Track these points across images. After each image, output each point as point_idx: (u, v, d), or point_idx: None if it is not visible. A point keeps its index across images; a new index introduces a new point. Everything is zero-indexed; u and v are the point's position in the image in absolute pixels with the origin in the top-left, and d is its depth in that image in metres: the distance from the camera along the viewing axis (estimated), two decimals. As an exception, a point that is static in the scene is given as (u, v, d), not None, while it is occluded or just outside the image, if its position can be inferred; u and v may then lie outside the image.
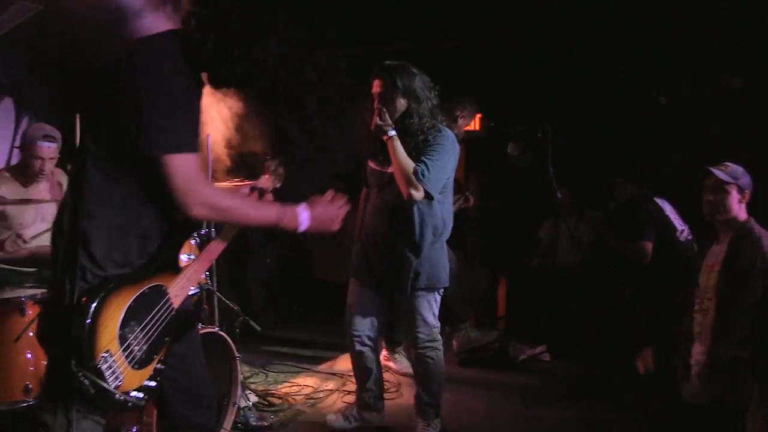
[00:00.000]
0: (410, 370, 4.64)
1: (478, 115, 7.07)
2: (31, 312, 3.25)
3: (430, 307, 3.54)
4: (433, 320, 3.57)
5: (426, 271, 3.46)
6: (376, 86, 3.39)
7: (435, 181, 3.27)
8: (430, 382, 3.66)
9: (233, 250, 5.14)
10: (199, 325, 3.53)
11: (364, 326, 3.66)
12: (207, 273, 3.88)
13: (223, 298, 4.15)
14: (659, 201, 5.01)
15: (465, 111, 4.92)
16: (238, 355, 3.59)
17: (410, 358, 3.96)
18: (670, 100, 5.86)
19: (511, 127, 5.47)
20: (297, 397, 4.29)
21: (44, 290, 3.36)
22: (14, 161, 4.51)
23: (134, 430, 3.04)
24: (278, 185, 2.68)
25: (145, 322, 1.94)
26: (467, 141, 7.50)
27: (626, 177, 5.26)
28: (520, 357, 5.20)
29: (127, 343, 1.88)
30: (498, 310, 6.86)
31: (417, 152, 3.31)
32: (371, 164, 3.55)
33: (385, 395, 4.07)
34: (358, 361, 3.75)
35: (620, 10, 5.86)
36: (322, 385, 4.60)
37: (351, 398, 4.19)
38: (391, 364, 4.92)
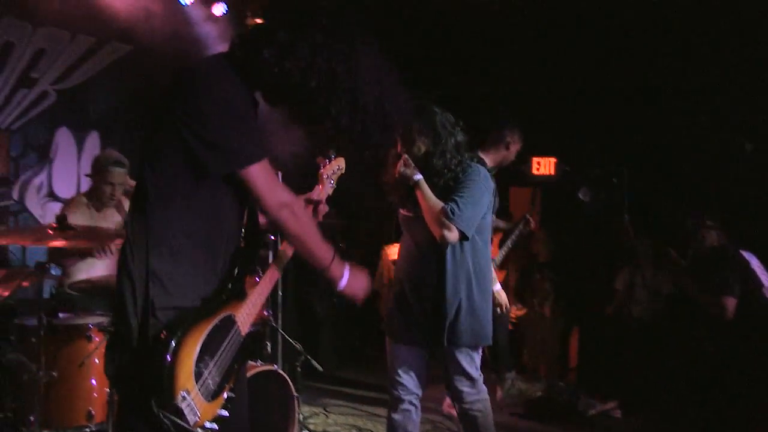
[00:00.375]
0: None
1: (554, 160, 6.96)
2: (97, 339, 3.32)
3: (472, 361, 3.23)
4: (476, 373, 3.26)
5: (466, 325, 3.15)
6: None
7: (468, 219, 3.04)
8: None
9: (300, 285, 5.17)
10: (259, 362, 3.54)
11: (412, 385, 3.26)
12: (271, 310, 3.89)
13: (286, 336, 4.15)
14: (746, 254, 4.72)
15: (515, 136, 4.78)
16: (296, 395, 3.56)
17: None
18: (757, 147, 5.58)
19: (585, 171, 5.32)
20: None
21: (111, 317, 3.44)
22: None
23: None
24: (331, 192, 2.58)
25: (217, 355, 1.95)
26: (542, 185, 7.42)
27: (711, 223, 4.88)
28: (589, 412, 4.97)
29: (202, 378, 1.89)
30: (570, 360, 6.64)
31: (447, 192, 3.11)
32: (402, 212, 3.33)
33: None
34: (402, 424, 3.29)
35: (704, 53, 5.66)
36: (382, 430, 4.50)
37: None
38: (454, 411, 4.79)
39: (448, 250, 3.12)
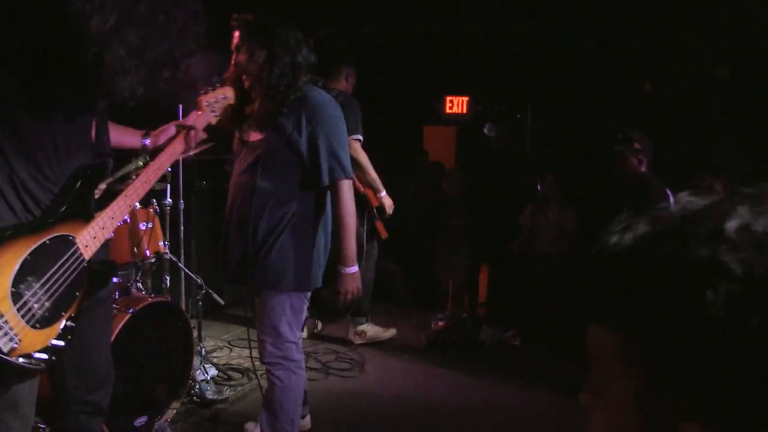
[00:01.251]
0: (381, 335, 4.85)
1: (466, 99, 7.01)
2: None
3: (282, 313, 2.77)
4: (288, 331, 2.79)
5: (273, 265, 2.74)
6: (235, 38, 2.80)
7: (347, 161, 2.79)
8: (275, 414, 2.86)
9: (210, 222, 5.10)
10: (152, 294, 3.50)
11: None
12: (167, 242, 3.83)
13: (186, 270, 4.11)
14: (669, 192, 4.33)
15: (352, 70, 4.80)
16: (193, 327, 3.55)
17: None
18: (655, 87, 5.76)
19: (490, 109, 5.39)
20: (258, 372, 4.24)
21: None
22: None
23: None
24: (214, 122, 2.52)
25: (46, 277, 1.78)
26: (455, 124, 7.49)
27: (639, 147, 4.40)
28: (489, 341, 5.15)
29: (22, 301, 1.72)
30: (479, 296, 6.83)
31: (276, 115, 2.71)
32: (238, 135, 2.93)
33: (343, 374, 4.01)
34: None
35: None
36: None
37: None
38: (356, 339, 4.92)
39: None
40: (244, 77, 2.76)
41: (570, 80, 5.92)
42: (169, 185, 3.90)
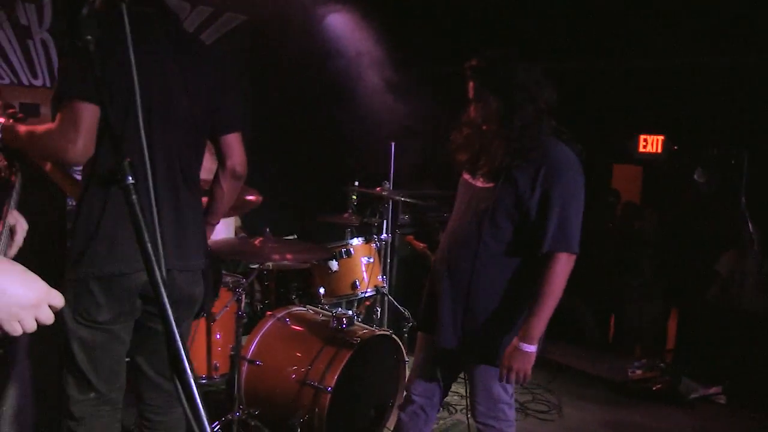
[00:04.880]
0: None
1: (661, 138, 6.79)
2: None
3: (497, 380, 2.54)
4: (502, 394, 2.62)
5: (490, 338, 2.55)
6: (470, 89, 2.60)
7: (574, 237, 2.45)
8: None
9: (409, 255, 5.30)
10: (375, 327, 3.69)
11: (422, 388, 2.84)
12: (383, 276, 4.02)
13: (395, 302, 4.28)
14: None
15: None
16: (406, 359, 3.69)
17: None
18: None
19: (698, 151, 5.17)
20: (458, 407, 4.32)
21: (235, 278, 3.65)
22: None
23: (306, 418, 3.23)
24: None
25: None
26: (647, 164, 7.26)
27: None
28: (691, 395, 4.91)
29: None
30: (667, 342, 6.54)
31: (514, 178, 2.46)
32: (465, 176, 2.72)
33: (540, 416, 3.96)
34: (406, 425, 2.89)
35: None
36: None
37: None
38: None
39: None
40: (484, 126, 2.55)
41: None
42: (384, 220, 4.10)
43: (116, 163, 1.02)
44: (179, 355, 0.93)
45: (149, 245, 0.97)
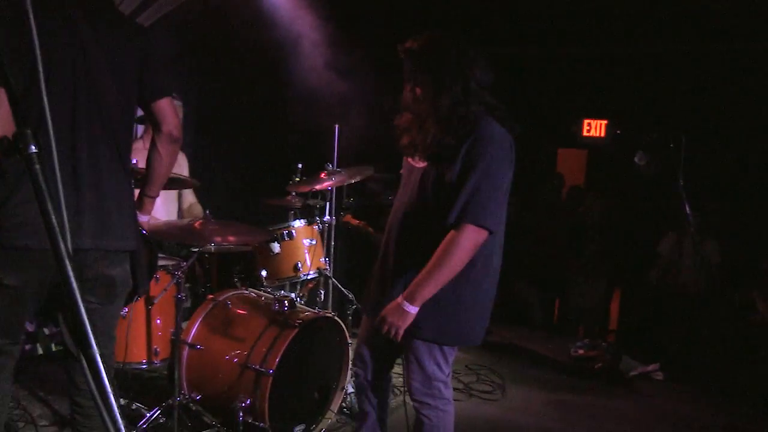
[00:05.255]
0: None
1: (605, 122, 6.91)
2: (164, 281, 3.47)
3: (431, 356, 2.57)
4: (437, 371, 2.59)
5: (428, 314, 2.48)
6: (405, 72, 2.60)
7: (493, 214, 2.40)
8: None
9: (355, 237, 5.28)
10: (317, 309, 3.67)
11: (367, 358, 2.83)
12: (326, 258, 4.00)
13: (338, 285, 4.26)
14: None
15: None
16: (350, 342, 3.68)
17: None
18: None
19: (640, 135, 5.27)
20: (403, 388, 4.33)
21: (175, 261, 3.59)
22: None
23: (248, 402, 3.19)
24: None
25: None
26: (591, 148, 7.39)
27: None
28: (631, 373, 5.04)
29: None
30: (610, 322, 6.70)
31: (447, 159, 2.45)
32: (409, 160, 2.69)
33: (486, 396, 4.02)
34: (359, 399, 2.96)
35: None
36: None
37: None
38: None
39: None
40: (417, 107, 2.54)
41: (725, 108, 5.72)
42: (328, 203, 4.06)
43: (19, 132, 0.97)
44: (84, 329, 0.89)
45: (53, 216, 0.92)
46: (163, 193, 4.02)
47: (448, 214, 2.37)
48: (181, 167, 4.32)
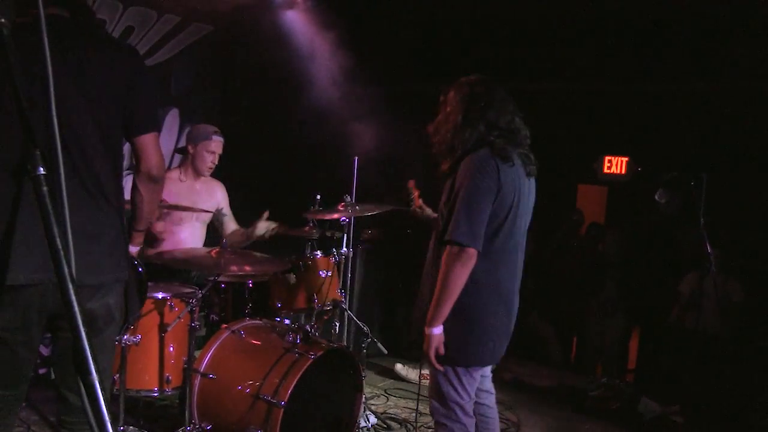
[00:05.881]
0: None
1: (626, 159, 6.88)
2: (177, 309, 3.46)
3: (445, 377, 2.68)
4: (452, 392, 2.68)
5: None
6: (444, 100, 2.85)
7: (466, 233, 2.50)
8: None
9: (374, 270, 5.26)
10: (331, 341, 3.64)
11: None
12: (342, 290, 3.98)
13: (354, 318, 4.23)
14: None
15: None
16: (364, 375, 3.64)
17: None
18: None
19: (661, 173, 5.23)
20: (417, 424, 4.27)
21: (191, 289, 3.58)
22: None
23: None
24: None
25: None
26: (611, 184, 7.34)
27: None
28: (650, 415, 4.91)
29: None
30: (629, 361, 6.58)
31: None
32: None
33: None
34: None
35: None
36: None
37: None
38: None
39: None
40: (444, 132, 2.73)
41: (746, 146, 5.68)
42: (345, 235, 4.06)
43: (27, 153, 0.97)
44: (85, 355, 0.89)
45: (59, 240, 0.92)
46: (188, 224, 4.08)
47: (442, 233, 2.60)
48: (217, 197, 4.28)
